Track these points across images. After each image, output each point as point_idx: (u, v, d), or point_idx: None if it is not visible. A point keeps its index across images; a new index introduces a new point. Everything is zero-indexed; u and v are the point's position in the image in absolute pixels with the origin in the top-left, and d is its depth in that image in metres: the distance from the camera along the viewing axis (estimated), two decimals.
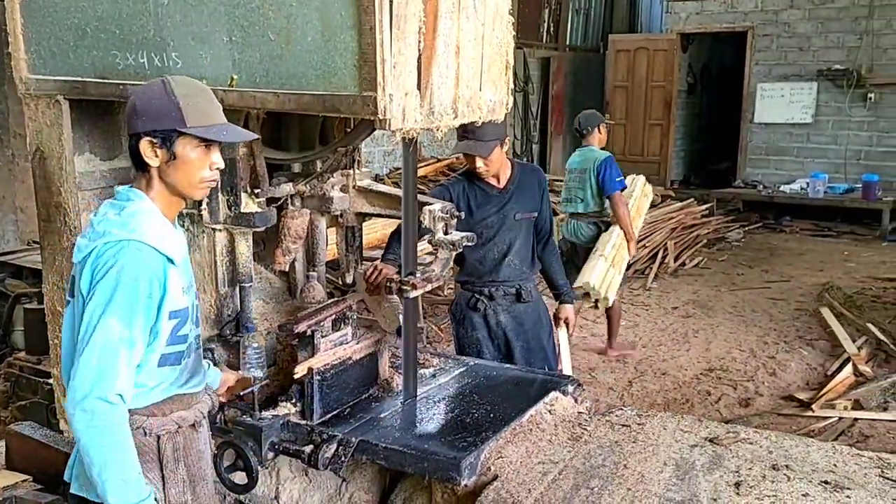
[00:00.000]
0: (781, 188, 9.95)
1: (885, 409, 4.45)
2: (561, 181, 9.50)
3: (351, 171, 2.66)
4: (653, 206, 9.13)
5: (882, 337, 5.43)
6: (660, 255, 7.65)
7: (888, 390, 4.72)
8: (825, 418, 4.27)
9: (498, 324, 3.17)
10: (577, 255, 5.02)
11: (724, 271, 7.63)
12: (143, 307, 1.68)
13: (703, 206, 9.12)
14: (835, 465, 2.08)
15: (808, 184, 9.64)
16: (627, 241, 4.95)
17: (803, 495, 1.92)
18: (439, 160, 9.51)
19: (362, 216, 2.73)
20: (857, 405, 4.49)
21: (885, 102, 9.60)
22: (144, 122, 1.72)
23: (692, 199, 9.24)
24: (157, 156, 1.73)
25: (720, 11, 10.53)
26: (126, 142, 2.59)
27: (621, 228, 4.91)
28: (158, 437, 1.80)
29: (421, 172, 9.02)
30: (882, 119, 9.63)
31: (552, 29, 12.02)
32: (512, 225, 3.14)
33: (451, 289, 6.20)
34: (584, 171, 4.98)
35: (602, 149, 5.06)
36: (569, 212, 5.16)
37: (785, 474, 2.02)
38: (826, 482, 1.98)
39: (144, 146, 1.72)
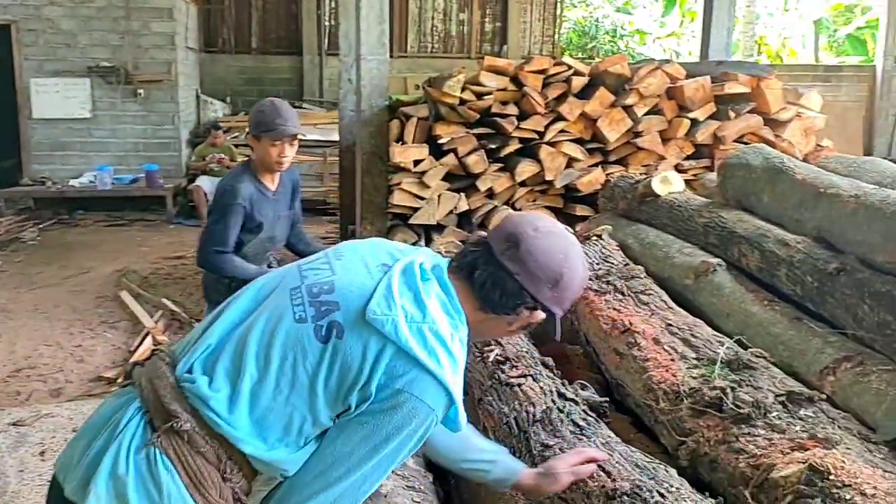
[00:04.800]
0: (70, 182, 10.11)
1: None
2: None
3: None
4: None
5: (175, 308, 6.23)
6: None
7: None
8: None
9: None
10: None
11: (22, 272, 7.51)
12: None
13: None
14: None
15: (95, 176, 10.03)
16: None
17: None
18: None
19: None
20: None
21: (154, 98, 10.57)
22: None
23: None
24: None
25: None
26: None
27: None
28: None
29: None
30: (153, 113, 10.60)
31: None
32: (276, 222, 3.52)
33: None
34: None
35: None
36: None
37: None
38: None
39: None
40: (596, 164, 5.75)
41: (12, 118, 10.43)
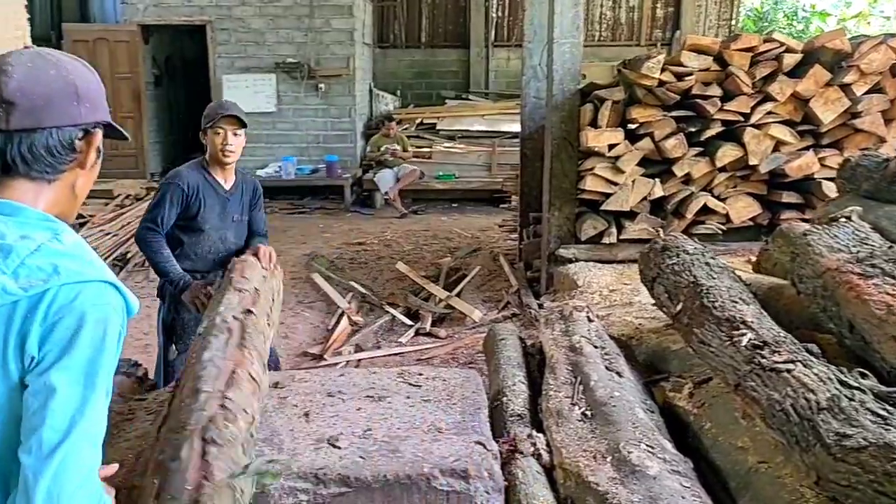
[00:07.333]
0: (258, 173, 10.65)
1: (378, 348, 5.32)
2: None
3: None
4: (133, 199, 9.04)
5: (364, 290, 6.39)
6: None
7: (377, 332, 5.63)
8: (336, 364, 4.93)
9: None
10: None
11: None
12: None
13: None
14: (373, 383, 2.56)
15: (280, 167, 10.54)
16: None
17: (357, 409, 2.34)
18: None
19: None
20: (358, 348, 5.27)
21: (333, 92, 10.97)
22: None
23: None
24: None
25: (178, 4, 10.72)
26: None
27: None
28: None
29: None
30: (332, 107, 11.00)
31: None
32: (229, 225, 3.58)
33: None
34: None
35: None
36: None
37: (339, 398, 2.41)
38: (370, 396, 2.43)
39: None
40: (806, 148, 5.36)
41: None
